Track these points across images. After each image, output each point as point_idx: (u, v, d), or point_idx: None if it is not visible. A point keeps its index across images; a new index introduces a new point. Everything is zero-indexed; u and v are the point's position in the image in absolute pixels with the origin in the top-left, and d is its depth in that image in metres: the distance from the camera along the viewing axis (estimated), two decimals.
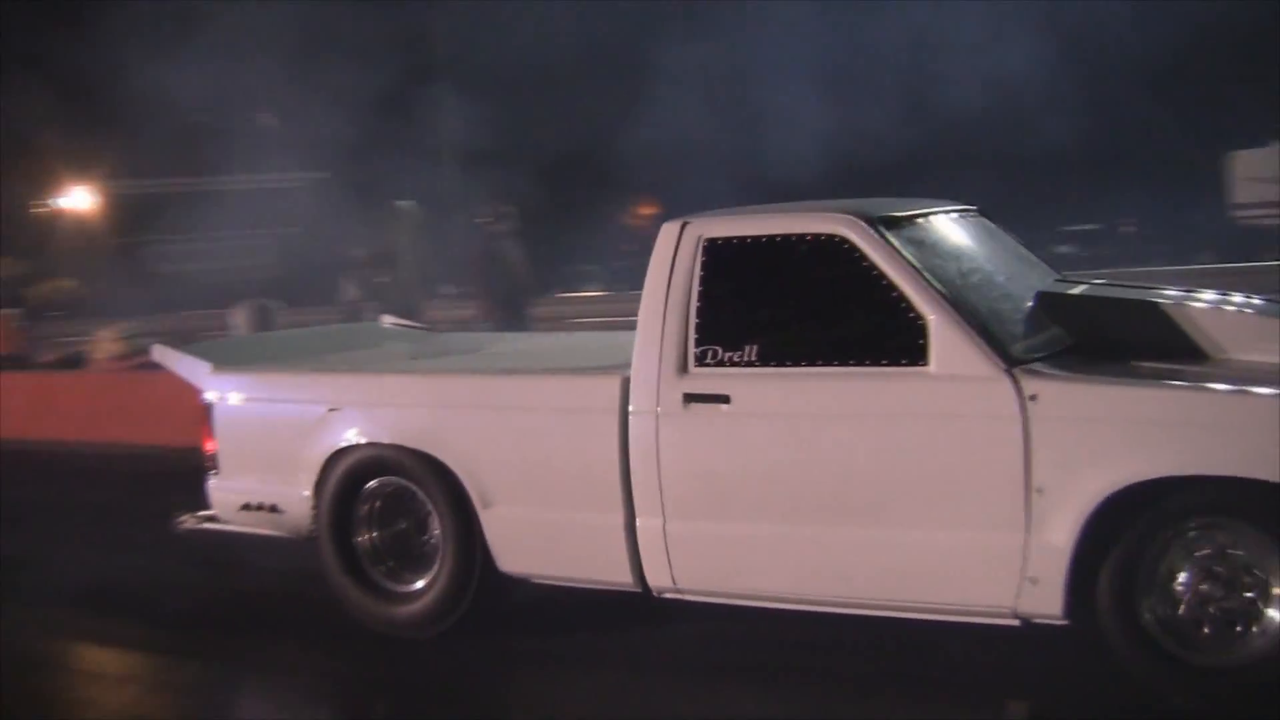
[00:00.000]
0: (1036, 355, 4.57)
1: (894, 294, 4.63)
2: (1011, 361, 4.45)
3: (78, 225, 36.07)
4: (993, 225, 5.81)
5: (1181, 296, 5.00)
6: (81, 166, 34.49)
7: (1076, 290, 5.08)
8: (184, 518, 6.36)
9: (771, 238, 4.95)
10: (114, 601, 6.62)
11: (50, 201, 36.52)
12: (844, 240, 4.77)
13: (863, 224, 4.76)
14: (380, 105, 25.10)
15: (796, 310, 4.87)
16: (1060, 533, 4.35)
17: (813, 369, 4.75)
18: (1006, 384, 4.40)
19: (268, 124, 36.62)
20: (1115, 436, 4.29)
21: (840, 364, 4.70)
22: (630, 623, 5.50)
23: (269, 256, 35.60)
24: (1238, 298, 5.11)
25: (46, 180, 35.27)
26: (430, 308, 13.64)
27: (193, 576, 6.90)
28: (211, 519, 6.23)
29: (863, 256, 4.71)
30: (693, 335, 4.94)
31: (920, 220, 5.15)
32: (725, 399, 4.85)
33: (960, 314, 4.54)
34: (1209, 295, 5.12)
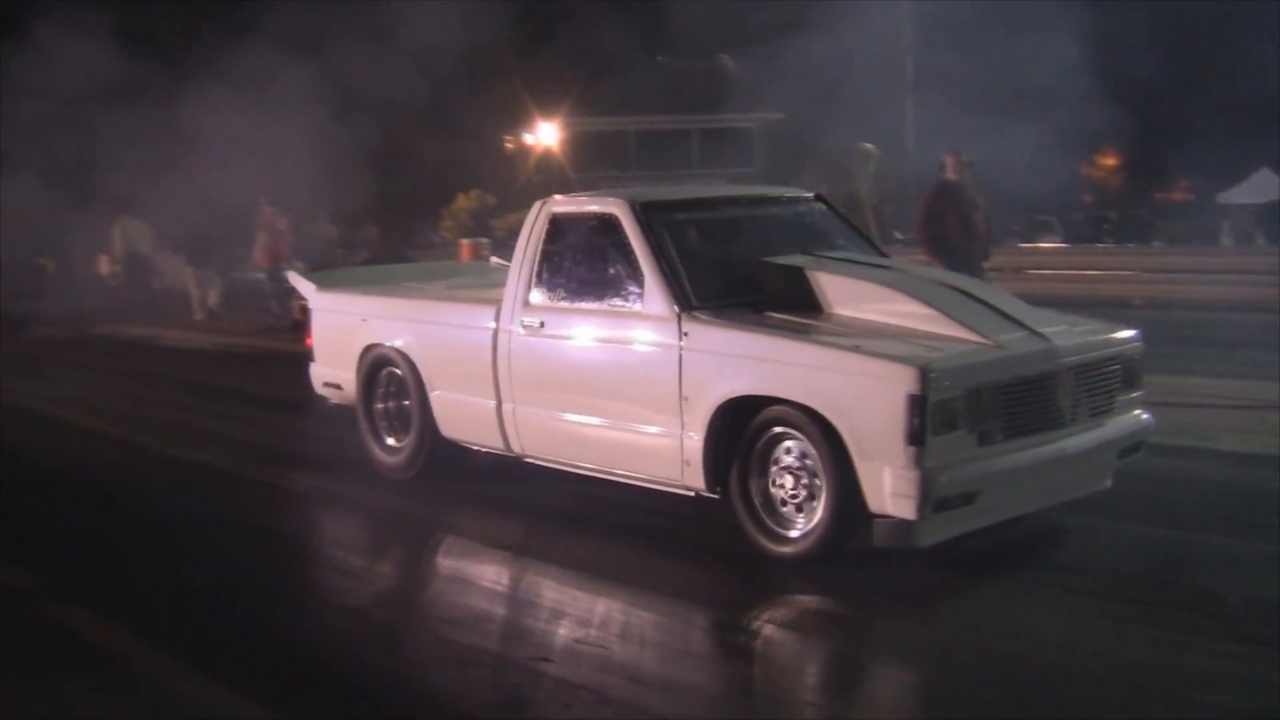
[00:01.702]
0: (711, 306, 6.38)
1: (633, 256, 6.62)
2: (685, 309, 6.33)
3: (542, 159, 38.13)
4: (820, 210, 7.51)
5: (829, 265, 6.55)
6: (548, 103, 36.32)
7: (781, 261, 6.70)
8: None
9: (583, 213, 7.04)
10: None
11: (518, 136, 38.88)
12: (615, 217, 6.78)
13: (628, 206, 6.76)
14: (843, 46, 25.52)
15: (586, 264, 6.93)
16: (697, 430, 6.22)
17: (587, 305, 6.82)
18: (674, 324, 6.31)
19: (729, 66, 38.54)
20: (726, 365, 6.12)
21: (602, 302, 6.75)
22: (532, 480, 7.72)
23: None
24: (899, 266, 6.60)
25: (516, 116, 37.36)
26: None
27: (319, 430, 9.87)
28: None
29: (623, 229, 6.71)
30: (534, 279, 7.14)
31: (695, 204, 7.08)
32: (542, 324, 7.03)
33: (665, 273, 6.45)
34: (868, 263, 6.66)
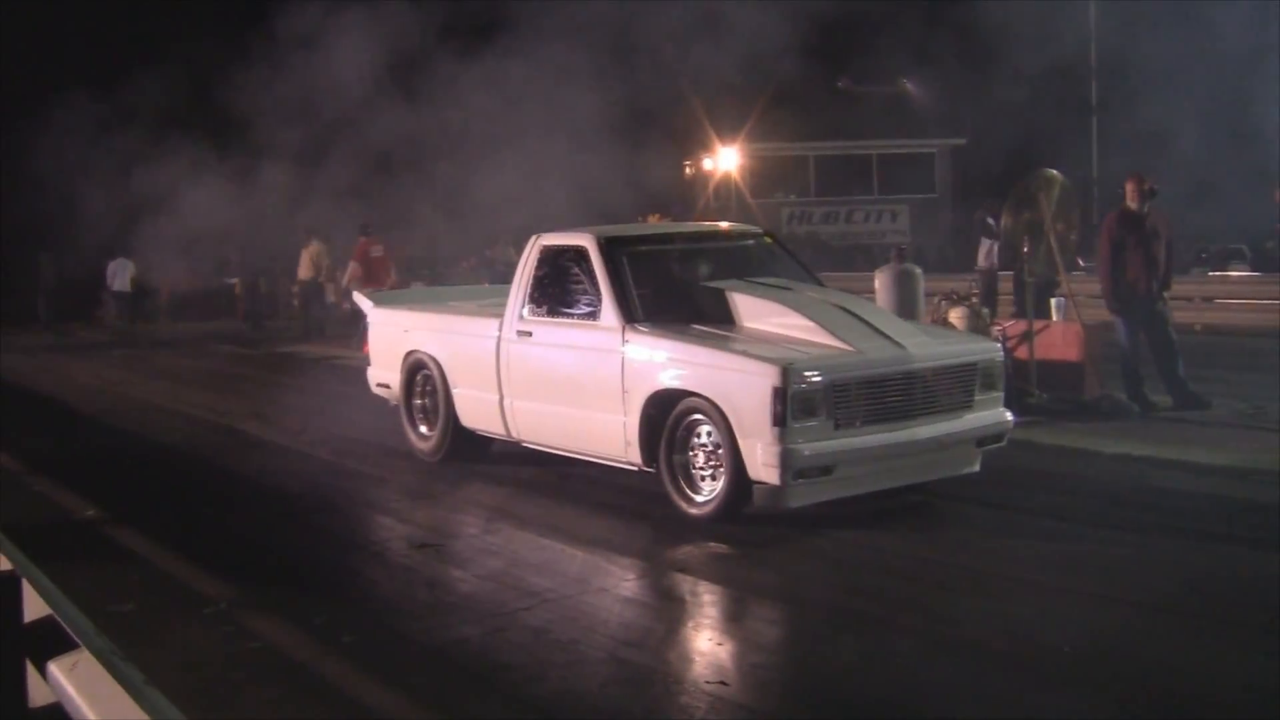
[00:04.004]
0: (651, 319, 8.04)
1: (596, 281, 8.33)
2: (629, 321, 8.01)
3: (721, 184, 36.86)
4: (766, 244, 9.13)
5: (743, 287, 8.14)
6: (728, 128, 34.85)
7: (714, 284, 8.33)
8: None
9: (564, 245, 8.78)
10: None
11: (698, 161, 37.78)
12: (584, 249, 8.51)
13: (594, 239, 8.48)
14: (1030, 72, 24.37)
15: (563, 286, 8.66)
16: (634, 416, 7.90)
17: (563, 319, 8.56)
18: (619, 333, 8.01)
19: (911, 91, 38.33)
20: (654, 364, 7.79)
21: (573, 318, 8.47)
22: (534, 462, 9.45)
23: (903, 221, 36.43)
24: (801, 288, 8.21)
25: (697, 140, 35.62)
26: (1066, 281, 12.69)
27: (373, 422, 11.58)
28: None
29: (589, 259, 8.43)
30: (528, 297, 8.89)
31: (653, 239, 8.79)
32: (530, 334, 8.79)
33: (617, 293, 8.15)
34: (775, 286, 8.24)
